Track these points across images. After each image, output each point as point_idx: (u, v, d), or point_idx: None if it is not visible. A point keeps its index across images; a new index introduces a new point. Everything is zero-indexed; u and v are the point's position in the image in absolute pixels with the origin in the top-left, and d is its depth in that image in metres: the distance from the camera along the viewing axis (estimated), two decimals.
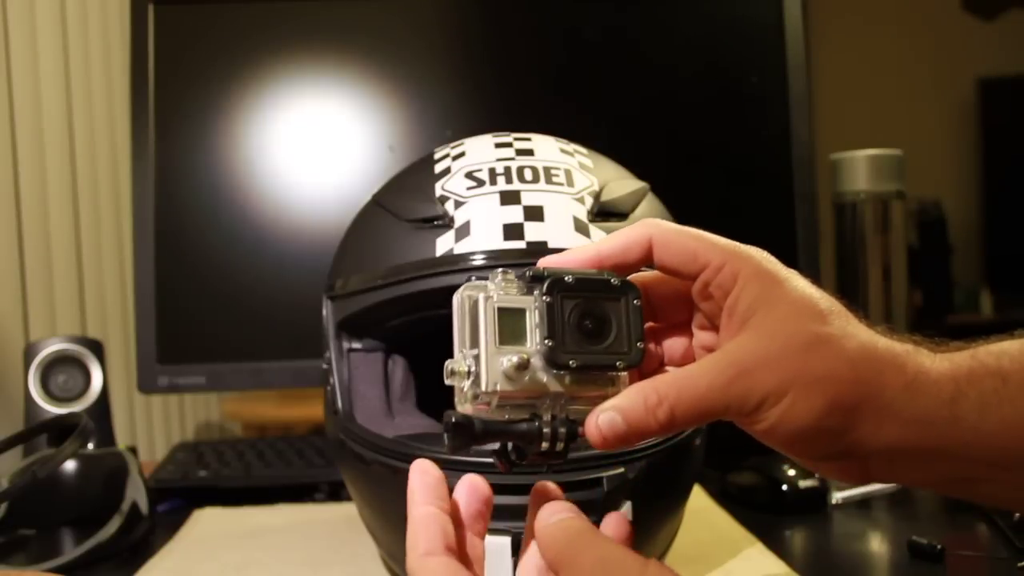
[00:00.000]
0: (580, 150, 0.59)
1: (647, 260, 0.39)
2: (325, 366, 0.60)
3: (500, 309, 0.36)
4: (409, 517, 0.37)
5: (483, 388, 0.36)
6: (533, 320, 0.37)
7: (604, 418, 0.35)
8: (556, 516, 0.36)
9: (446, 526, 0.37)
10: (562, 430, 0.36)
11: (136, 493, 0.71)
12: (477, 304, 0.36)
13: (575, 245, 0.52)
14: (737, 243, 0.39)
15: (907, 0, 3.49)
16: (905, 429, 0.35)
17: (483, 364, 0.36)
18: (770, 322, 0.36)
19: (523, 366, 0.36)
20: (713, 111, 0.96)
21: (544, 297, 0.36)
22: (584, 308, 0.37)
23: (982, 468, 0.36)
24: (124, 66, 1.17)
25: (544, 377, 0.36)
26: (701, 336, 0.41)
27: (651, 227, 0.39)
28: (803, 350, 0.35)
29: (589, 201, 0.54)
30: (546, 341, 0.36)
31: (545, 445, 0.36)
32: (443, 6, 0.98)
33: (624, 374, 0.37)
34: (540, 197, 0.53)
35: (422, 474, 0.38)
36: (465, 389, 0.37)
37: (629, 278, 0.39)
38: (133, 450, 0.83)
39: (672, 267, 0.39)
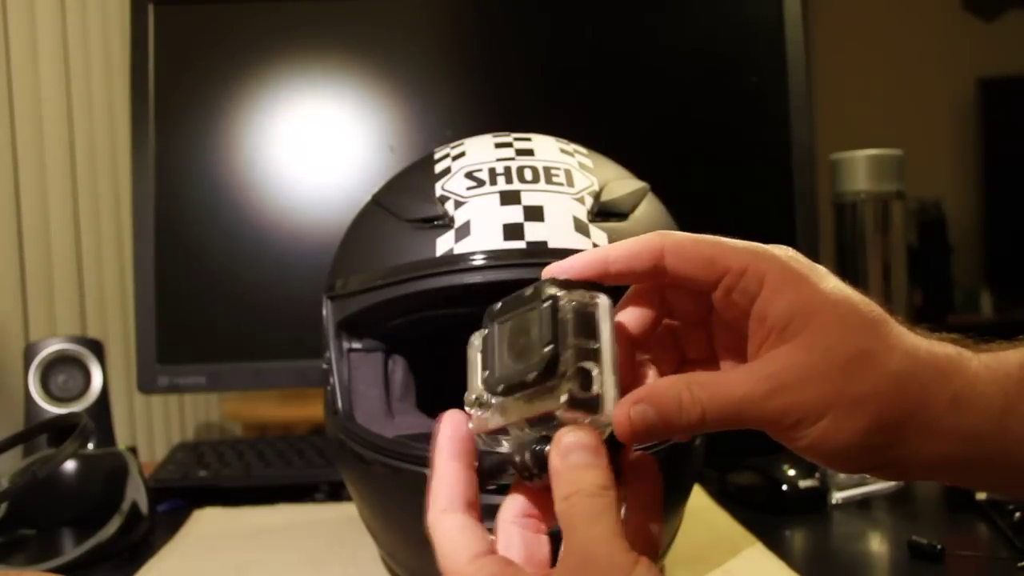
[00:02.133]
0: (580, 150, 0.59)
1: (658, 270, 0.37)
2: (325, 366, 0.60)
3: (475, 348, 0.38)
4: (433, 469, 0.36)
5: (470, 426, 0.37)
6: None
7: (636, 410, 0.34)
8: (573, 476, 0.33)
9: (469, 483, 0.36)
10: (528, 459, 0.35)
11: (136, 493, 0.71)
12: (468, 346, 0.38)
13: (575, 245, 0.52)
14: (757, 244, 0.36)
15: (907, 0, 3.49)
16: (951, 444, 0.34)
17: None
18: (809, 333, 0.34)
19: (480, 402, 0.36)
20: (713, 111, 0.96)
21: (483, 330, 0.37)
22: (512, 328, 0.36)
23: None
24: (124, 66, 1.17)
25: (500, 407, 0.36)
26: (723, 336, 0.39)
27: (663, 236, 0.37)
28: (844, 367, 0.34)
29: (589, 201, 0.54)
30: (484, 372, 0.36)
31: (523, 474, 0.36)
32: (443, 7, 0.98)
33: (566, 383, 0.34)
34: (540, 197, 0.53)
35: (453, 428, 0.37)
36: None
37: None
38: (133, 450, 0.83)
39: (689, 275, 0.37)
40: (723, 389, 0.34)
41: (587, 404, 0.34)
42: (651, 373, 0.38)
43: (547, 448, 0.34)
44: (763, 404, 0.34)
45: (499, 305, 0.37)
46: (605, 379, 0.34)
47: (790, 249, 0.37)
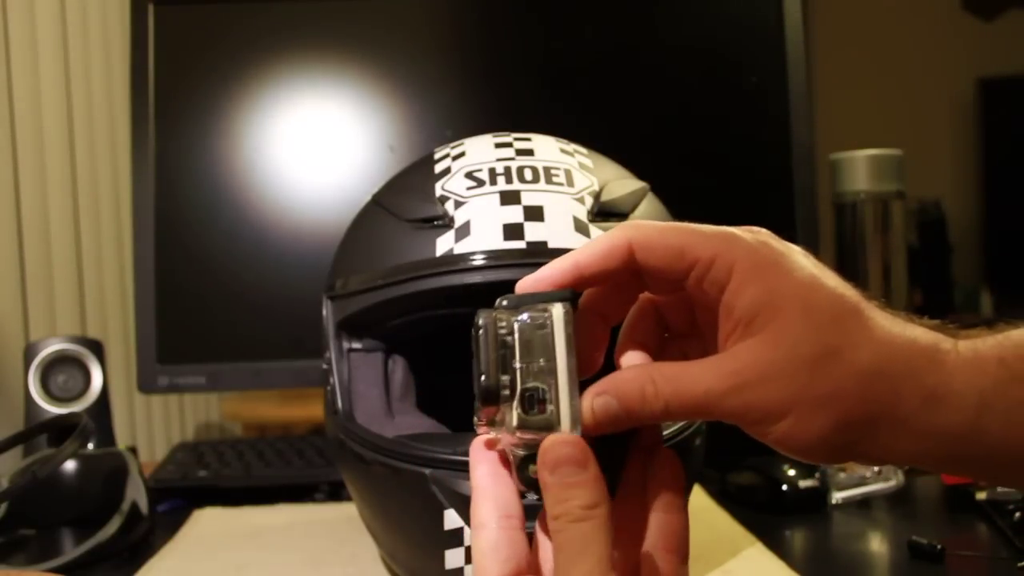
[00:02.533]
0: (580, 150, 0.59)
1: (631, 266, 0.36)
2: (325, 366, 0.60)
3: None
4: (471, 485, 0.37)
5: None
6: None
7: (599, 402, 0.34)
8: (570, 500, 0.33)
9: (502, 495, 0.36)
10: (518, 479, 0.35)
11: (136, 493, 0.71)
12: None
13: (575, 245, 0.52)
14: (730, 229, 0.36)
15: (907, 0, 3.49)
16: (925, 442, 0.34)
17: None
18: (774, 329, 0.33)
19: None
20: (713, 111, 0.96)
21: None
22: (475, 355, 0.36)
23: (1012, 471, 0.35)
24: (124, 66, 1.17)
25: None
26: (703, 315, 0.38)
27: (629, 229, 0.36)
28: (809, 365, 0.33)
29: (589, 201, 0.54)
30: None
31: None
32: (443, 7, 0.98)
33: (513, 408, 0.34)
34: (540, 197, 0.53)
35: (482, 442, 0.37)
36: None
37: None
38: (133, 450, 0.83)
39: (658, 268, 0.36)
40: (686, 383, 0.34)
41: (540, 425, 0.33)
42: (629, 355, 0.38)
43: (532, 467, 0.34)
44: (726, 400, 0.34)
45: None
46: (560, 394, 0.34)
47: (763, 232, 0.36)
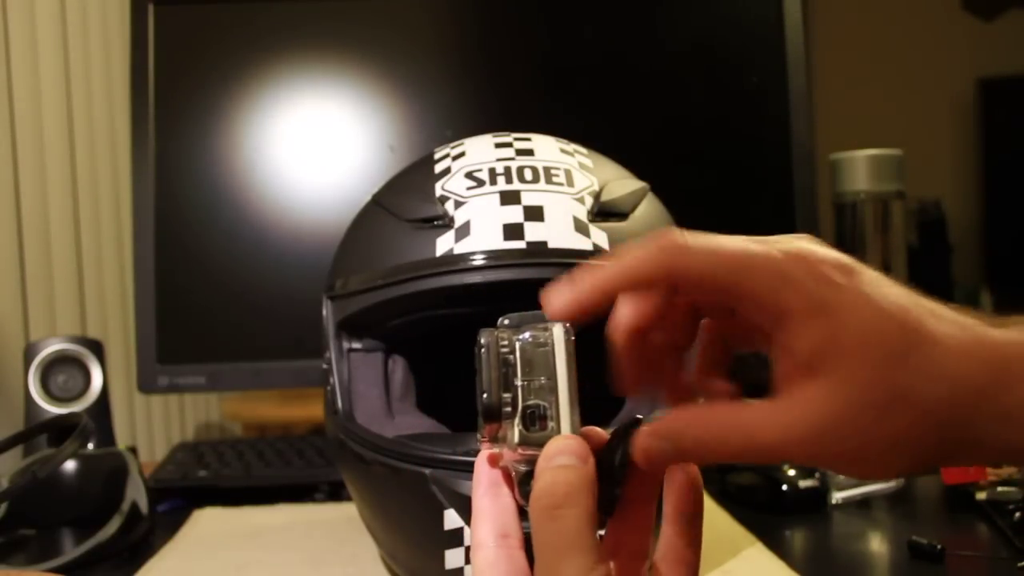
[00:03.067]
0: (580, 150, 0.59)
1: (669, 288, 0.34)
2: (325, 366, 0.60)
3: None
4: (472, 505, 0.37)
5: None
6: None
7: (656, 446, 0.33)
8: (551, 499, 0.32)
9: (500, 514, 0.36)
10: (518, 497, 0.36)
11: (136, 493, 0.71)
12: None
13: (575, 245, 0.52)
14: (780, 259, 0.32)
15: (907, 0, 3.49)
16: (1004, 455, 0.33)
17: None
18: (839, 374, 0.31)
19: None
20: (713, 111, 0.96)
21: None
22: (477, 371, 0.36)
23: None
24: (124, 66, 1.17)
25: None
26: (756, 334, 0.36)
27: (670, 253, 0.33)
28: (880, 411, 0.31)
29: (589, 201, 0.54)
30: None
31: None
32: (443, 7, 0.98)
33: (514, 425, 0.34)
34: (540, 197, 0.53)
35: (483, 460, 0.37)
36: None
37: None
38: (133, 450, 0.83)
39: (702, 300, 0.35)
40: (752, 432, 0.32)
41: (541, 441, 0.34)
42: (712, 383, 0.37)
43: (532, 484, 0.34)
44: (797, 452, 0.32)
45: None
46: (561, 411, 0.34)
47: (815, 251, 0.33)
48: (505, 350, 0.35)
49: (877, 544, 0.67)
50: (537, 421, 0.34)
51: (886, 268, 0.88)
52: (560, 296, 0.34)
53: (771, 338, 0.33)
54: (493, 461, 0.37)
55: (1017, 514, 0.64)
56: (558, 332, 0.35)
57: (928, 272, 3.03)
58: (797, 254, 0.32)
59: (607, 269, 0.34)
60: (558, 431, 0.34)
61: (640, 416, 0.35)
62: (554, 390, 0.34)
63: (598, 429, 0.36)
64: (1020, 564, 0.58)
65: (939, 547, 0.60)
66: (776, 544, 0.64)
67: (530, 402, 0.34)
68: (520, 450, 0.34)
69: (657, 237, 0.33)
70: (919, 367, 0.31)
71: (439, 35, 0.98)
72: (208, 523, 0.76)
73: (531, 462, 0.34)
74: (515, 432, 0.34)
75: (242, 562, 0.65)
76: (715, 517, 0.72)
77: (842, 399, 0.31)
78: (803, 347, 0.32)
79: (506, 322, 0.36)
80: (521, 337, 0.35)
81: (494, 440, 0.36)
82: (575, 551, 0.31)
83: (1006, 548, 0.62)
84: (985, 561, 0.62)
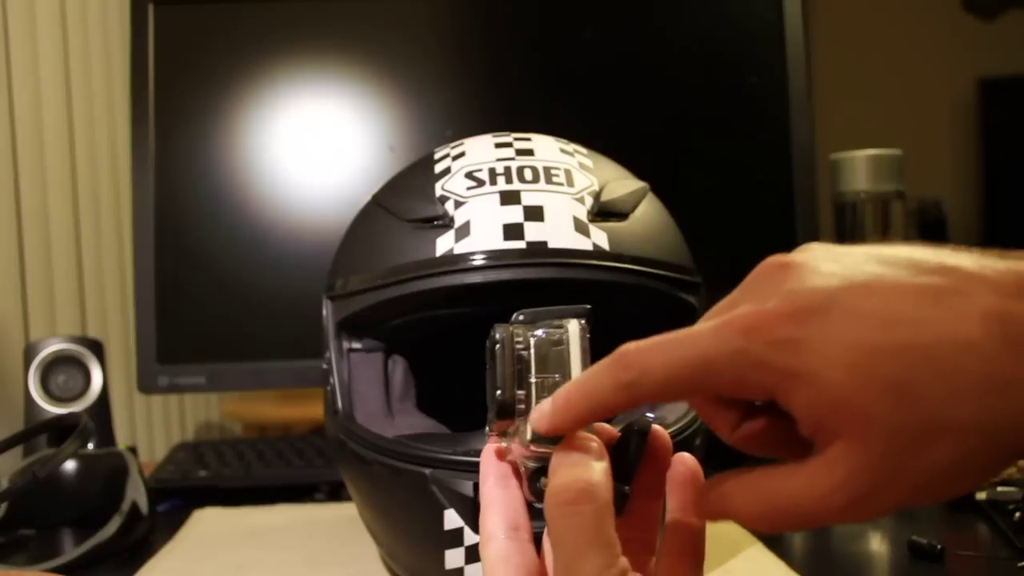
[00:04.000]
0: (580, 150, 0.59)
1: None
2: (325, 366, 0.60)
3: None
4: (480, 497, 0.36)
5: None
6: None
7: (715, 510, 0.33)
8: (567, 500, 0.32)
9: (511, 506, 0.35)
10: (527, 493, 0.36)
11: (136, 493, 0.71)
12: None
13: (575, 245, 0.52)
14: (732, 340, 0.29)
15: (907, 0, 3.49)
16: None
17: None
18: (855, 426, 0.28)
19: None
20: (713, 111, 0.96)
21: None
22: (489, 366, 0.36)
23: None
24: (124, 66, 1.17)
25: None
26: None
27: (624, 384, 0.31)
28: (911, 454, 0.28)
29: (589, 201, 0.54)
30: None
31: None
32: (443, 7, 0.98)
33: (528, 422, 0.34)
34: (540, 197, 0.53)
35: (491, 452, 0.37)
36: None
37: None
38: (133, 450, 0.83)
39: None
40: (786, 503, 0.30)
41: (554, 438, 0.33)
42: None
43: (543, 480, 0.34)
44: (835, 518, 0.30)
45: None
46: None
47: (764, 312, 0.29)
48: (520, 346, 0.35)
49: (877, 544, 0.67)
50: None
51: None
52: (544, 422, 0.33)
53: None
54: (501, 455, 0.37)
55: (1017, 514, 0.64)
56: (573, 329, 0.34)
57: None
58: (748, 326, 0.29)
59: (573, 408, 0.32)
60: None
61: (650, 414, 0.35)
62: None
63: (607, 425, 0.36)
64: (1020, 564, 0.58)
65: (939, 547, 0.60)
66: (776, 544, 0.64)
67: (544, 399, 0.34)
68: (532, 447, 0.34)
69: (610, 365, 0.31)
70: (947, 408, 0.27)
71: (439, 35, 0.98)
72: (208, 523, 0.76)
73: (542, 459, 0.34)
74: (528, 429, 0.34)
75: (242, 562, 0.65)
76: None
77: (870, 452, 0.28)
78: (800, 416, 0.29)
79: (520, 318, 0.36)
80: (536, 334, 0.35)
81: (502, 435, 0.36)
82: (595, 547, 0.31)
83: (1006, 548, 0.62)
84: (985, 561, 0.62)
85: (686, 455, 0.37)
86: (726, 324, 0.30)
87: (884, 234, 0.88)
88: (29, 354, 0.88)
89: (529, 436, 0.34)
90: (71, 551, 0.65)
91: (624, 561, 0.31)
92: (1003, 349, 0.27)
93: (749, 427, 0.34)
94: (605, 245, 0.53)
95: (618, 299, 0.55)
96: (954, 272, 0.29)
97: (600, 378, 0.32)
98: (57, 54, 1.29)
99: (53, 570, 0.62)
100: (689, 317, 0.58)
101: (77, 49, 1.33)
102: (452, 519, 0.50)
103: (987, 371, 0.27)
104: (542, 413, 0.33)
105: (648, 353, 0.31)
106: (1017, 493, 0.68)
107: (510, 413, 0.34)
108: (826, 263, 0.30)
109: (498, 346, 0.35)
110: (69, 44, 1.32)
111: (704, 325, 0.31)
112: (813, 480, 0.29)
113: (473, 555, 0.49)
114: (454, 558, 0.50)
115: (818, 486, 0.29)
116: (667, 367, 0.30)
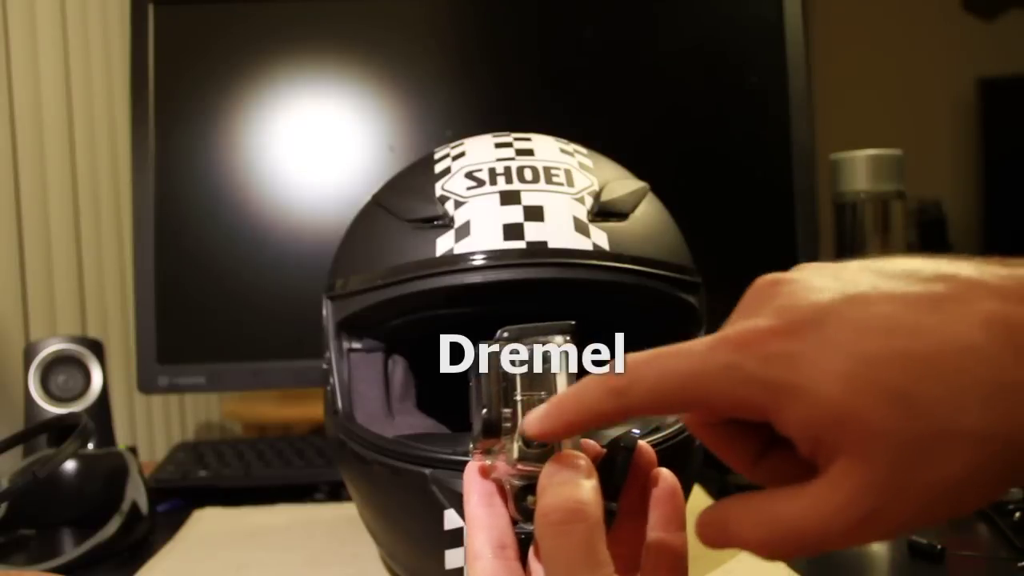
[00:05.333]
0: (580, 150, 0.59)
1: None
2: (325, 366, 0.60)
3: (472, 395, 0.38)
4: (466, 517, 0.36)
5: None
6: None
7: (717, 537, 0.33)
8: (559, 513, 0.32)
9: (496, 525, 0.35)
10: (513, 512, 0.35)
11: (136, 493, 0.71)
12: None
13: (575, 245, 0.52)
14: (724, 355, 0.29)
15: (907, 0, 3.49)
16: None
17: None
18: (856, 444, 0.27)
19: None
20: (713, 111, 0.96)
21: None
22: (474, 383, 0.35)
23: None
24: (124, 66, 1.17)
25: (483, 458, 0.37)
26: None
27: (616, 394, 0.30)
28: (918, 468, 0.26)
29: (589, 201, 0.54)
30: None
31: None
32: (443, 7, 0.98)
33: (514, 440, 0.34)
34: (540, 197, 0.53)
35: (474, 471, 0.37)
36: None
37: None
38: (133, 450, 0.83)
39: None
40: (791, 529, 0.29)
41: (540, 457, 0.33)
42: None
43: (530, 498, 0.34)
44: (843, 541, 0.29)
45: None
46: None
47: (757, 327, 0.29)
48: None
49: (877, 544, 0.67)
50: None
51: None
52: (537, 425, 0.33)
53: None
54: (485, 473, 0.37)
55: (1017, 514, 0.64)
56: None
57: None
58: (741, 341, 0.29)
59: (565, 413, 0.32)
60: (559, 448, 0.33)
61: (636, 430, 0.35)
62: None
63: (592, 442, 0.36)
64: (1020, 564, 0.58)
65: (939, 547, 0.60)
66: None
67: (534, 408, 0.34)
68: (520, 465, 0.34)
69: (602, 373, 0.31)
70: (943, 414, 0.26)
71: (439, 35, 0.98)
72: (208, 523, 0.76)
73: (529, 477, 0.34)
74: (514, 448, 0.33)
75: (242, 562, 0.65)
76: None
77: (874, 469, 0.27)
78: (796, 434, 0.28)
79: (505, 335, 0.35)
80: (521, 351, 0.34)
81: (487, 453, 0.36)
82: (588, 566, 0.31)
83: (1006, 548, 0.62)
84: (985, 561, 0.62)
85: (665, 471, 0.37)
86: (720, 340, 0.29)
87: (884, 234, 0.88)
88: (29, 354, 0.88)
89: (516, 454, 0.33)
90: (71, 551, 0.65)
91: None
92: (1008, 353, 0.26)
93: (772, 460, 0.33)
94: (605, 245, 0.53)
95: (618, 299, 0.55)
96: (953, 279, 0.28)
97: (591, 385, 0.31)
98: (57, 54, 1.29)
99: (53, 570, 0.62)
100: (689, 317, 0.58)
101: (77, 49, 1.33)
102: (452, 519, 0.50)
103: (992, 375, 0.26)
104: (533, 418, 0.32)
105: (641, 362, 0.30)
106: (1017, 493, 0.68)
107: (496, 431, 0.34)
108: (820, 279, 0.30)
109: (483, 364, 0.34)
110: (69, 44, 1.32)
111: (700, 340, 0.30)
112: (816, 502, 0.28)
113: None
114: (454, 558, 0.50)
115: (822, 508, 0.28)
116: (658, 376, 0.30)
